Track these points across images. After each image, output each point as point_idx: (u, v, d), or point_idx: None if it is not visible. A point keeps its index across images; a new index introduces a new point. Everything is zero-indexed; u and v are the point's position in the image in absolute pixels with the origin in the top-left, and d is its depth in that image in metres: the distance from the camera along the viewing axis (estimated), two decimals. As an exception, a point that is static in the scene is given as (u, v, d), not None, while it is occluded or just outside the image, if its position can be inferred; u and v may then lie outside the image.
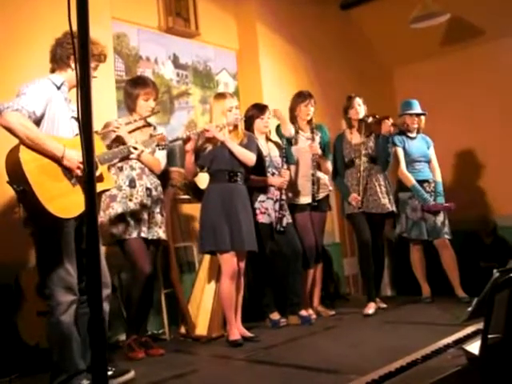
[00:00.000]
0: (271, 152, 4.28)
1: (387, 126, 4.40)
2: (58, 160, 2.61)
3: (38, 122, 2.64)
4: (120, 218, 3.47)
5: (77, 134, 2.78)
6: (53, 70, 2.88)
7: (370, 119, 4.47)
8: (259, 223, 4.04)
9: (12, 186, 2.53)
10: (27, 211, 2.60)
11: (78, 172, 2.62)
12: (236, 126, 3.82)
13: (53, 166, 2.61)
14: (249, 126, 4.14)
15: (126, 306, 3.79)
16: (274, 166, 4.23)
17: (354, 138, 4.59)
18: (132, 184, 3.54)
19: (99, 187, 2.63)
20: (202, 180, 4.04)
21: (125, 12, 4.62)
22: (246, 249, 3.71)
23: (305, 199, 4.42)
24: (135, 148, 3.22)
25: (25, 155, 2.51)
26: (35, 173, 2.51)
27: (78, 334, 2.68)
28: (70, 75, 2.82)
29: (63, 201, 2.57)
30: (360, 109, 4.55)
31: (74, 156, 2.60)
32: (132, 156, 3.27)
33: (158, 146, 3.43)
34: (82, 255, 2.72)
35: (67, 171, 2.65)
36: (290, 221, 4.22)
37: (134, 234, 3.47)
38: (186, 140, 3.64)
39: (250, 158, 3.76)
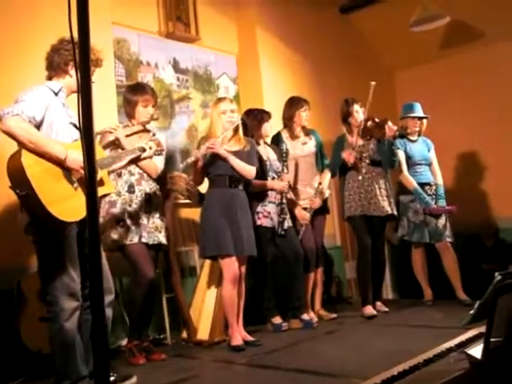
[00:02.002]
0: (270, 156, 4.29)
1: (392, 130, 4.41)
2: (60, 163, 2.61)
3: (37, 127, 2.64)
4: (120, 224, 3.47)
5: (75, 140, 2.78)
6: (50, 77, 2.87)
7: (370, 123, 4.47)
8: (261, 227, 4.05)
9: (15, 190, 2.53)
10: (30, 216, 2.60)
11: (82, 171, 2.60)
12: (236, 131, 3.83)
13: (55, 170, 2.61)
14: (246, 131, 4.11)
15: (128, 310, 3.79)
16: (273, 170, 4.23)
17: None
18: (131, 189, 3.54)
19: (100, 192, 2.63)
20: (203, 184, 4.04)
21: (125, 17, 4.62)
22: (246, 254, 3.71)
23: (302, 204, 4.44)
24: (144, 149, 3.16)
25: (27, 159, 2.51)
26: (38, 176, 2.51)
27: (81, 339, 2.68)
28: (68, 81, 2.83)
29: (66, 204, 2.57)
30: (358, 115, 4.56)
31: (76, 157, 2.59)
32: (144, 154, 3.19)
33: (155, 152, 3.38)
34: (85, 260, 2.72)
35: (69, 175, 2.65)
36: (291, 224, 4.23)
37: (135, 239, 3.47)
38: (196, 162, 3.66)
39: (250, 172, 3.78)
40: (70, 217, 2.57)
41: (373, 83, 4.32)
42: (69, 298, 2.62)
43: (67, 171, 2.65)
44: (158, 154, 3.41)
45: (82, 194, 2.64)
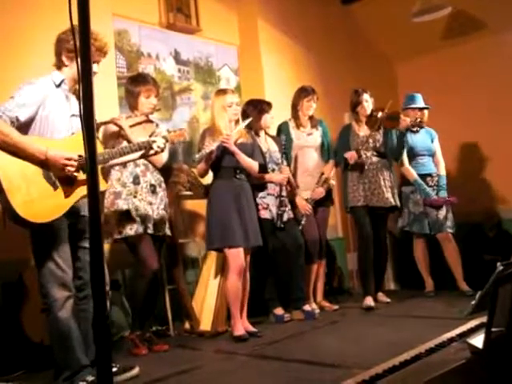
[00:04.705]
0: (270, 147, 4.29)
1: (405, 122, 4.41)
2: (41, 163, 2.57)
3: (20, 127, 2.60)
4: (125, 215, 3.47)
5: (73, 133, 2.76)
6: (58, 66, 2.85)
7: (380, 114, 4.46)
8: (261, 219, 4.04)
9: None
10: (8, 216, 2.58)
11: (70, 169, 2.59)
12: (237, 122, 3.83)
13: (32, 170, 2.57)
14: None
15: (131, 302, 3.80)
16: (273, 162, 4.23)
17: (362, 131, 4.59)
18: (136, 181, 3.54)
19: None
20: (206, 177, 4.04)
21: (126, 8, 4.61)
22: (252, 244, 3.72)
23: (306, 194, 4.43)
24: (150, 147, 3.04)
25: (1, 160, 2.49)
26: (11, 177, 2.49)
27: (79, 329, 2.68)
28: (73, 71, 2.78)
29: (40, 204, 2.54)
30: (368, 105, 4.55)
31: (57, 157, 2.56)
32: (151, 152, 3.09)
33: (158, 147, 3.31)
34: (78, 252, 2.74)
35: (49, 175, 2.61)
36: (292, 216, 4.23)
37: (140, 231, 3.47)
38: (210, 154, 3.65)
39: (254, 168, 3.82)
40: (40, 218, 2.54)
41: (390, 101, 4.39)
42: (60, 288, 2.63)
43: (47, 171, 2.61)
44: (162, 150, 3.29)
45: (61, 194, 2.62)
